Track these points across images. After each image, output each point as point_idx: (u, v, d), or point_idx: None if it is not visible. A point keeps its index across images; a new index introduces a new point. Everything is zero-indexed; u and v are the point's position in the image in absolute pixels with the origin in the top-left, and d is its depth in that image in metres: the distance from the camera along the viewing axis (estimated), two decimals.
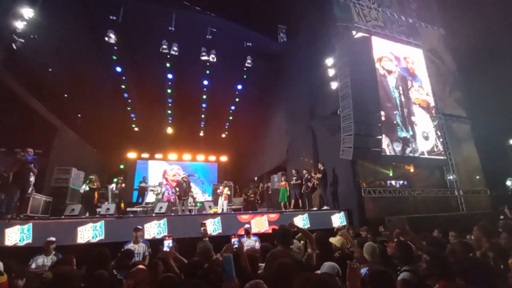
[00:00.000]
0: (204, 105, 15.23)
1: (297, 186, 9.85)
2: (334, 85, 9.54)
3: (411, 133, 9.34)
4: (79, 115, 12.34)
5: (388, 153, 8.67)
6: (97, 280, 1.88)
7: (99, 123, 13.47)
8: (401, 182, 9.82)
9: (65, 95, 11.03)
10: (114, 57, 10.57)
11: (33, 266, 4.18)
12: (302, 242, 3.49)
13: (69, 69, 10.06)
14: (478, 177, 10.47)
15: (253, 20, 11.17)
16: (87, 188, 8.52)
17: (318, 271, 2.05)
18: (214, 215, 6.90)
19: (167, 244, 2.56)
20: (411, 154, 9.07)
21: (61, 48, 9.06)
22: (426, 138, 9.64)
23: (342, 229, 3.97)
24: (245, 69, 12.06)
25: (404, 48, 10.58)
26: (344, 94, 8.68)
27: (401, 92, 9.70)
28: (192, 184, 11.99)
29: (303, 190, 9.32)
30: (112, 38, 9.26)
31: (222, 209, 10.25)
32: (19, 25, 7.23)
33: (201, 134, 18.14)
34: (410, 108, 9.78)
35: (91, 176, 8.85)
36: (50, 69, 9.37)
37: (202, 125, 17.41)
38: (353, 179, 8.35)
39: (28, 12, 7.32)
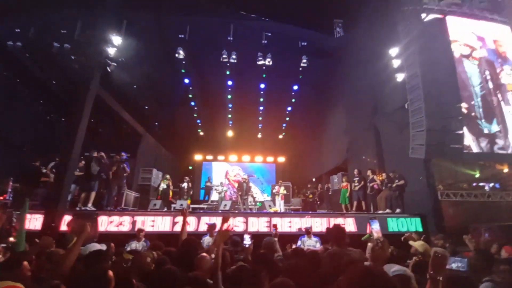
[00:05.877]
0: (261, 108, 15.73)
1: (360, 188, 9.34)
2: (400, 77, 8.67)
3: (499, 126, 7.79)
4: (156, 123, 14.33)
5: (474, 151, 7.42)
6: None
7: (171, 129, 15.38)
8: (491, 184, 8.26)
9: (146, 107, 13.01)
10: (183, 70, 11.92)
11: (128, 249, 5.08)
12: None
13: (148, 84, 11.83)
14: None
15: (307, 18, 10.98)
16: (165, 186, 9.85)
17: None
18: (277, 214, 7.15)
19: (247, 238, 2.77)
20: (503, 151, 7.56)
21: (142, 67, 10.69)
22: None
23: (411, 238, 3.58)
24: (300, 69, 11.98)
25: (489, 26, 8.92)
26: (412, 86, 7.81)
27: (488, 78, 8.20)
28: (251, 184, 12.52)
29: (368, 191, 8.80)
30: (181, 54, 10.47)
31: (280, 209, 10.42)
32: (111, 51, 8.79)
33: (259, 136, 18.75)
34: (504, 96, 8.19)
35: (167, 176, 10.21)
36: (134, 86, 11.19)
37: (260, 127, 18.01)
38: (426, 180, 7.45)
39: (117, 39, 8.83)
